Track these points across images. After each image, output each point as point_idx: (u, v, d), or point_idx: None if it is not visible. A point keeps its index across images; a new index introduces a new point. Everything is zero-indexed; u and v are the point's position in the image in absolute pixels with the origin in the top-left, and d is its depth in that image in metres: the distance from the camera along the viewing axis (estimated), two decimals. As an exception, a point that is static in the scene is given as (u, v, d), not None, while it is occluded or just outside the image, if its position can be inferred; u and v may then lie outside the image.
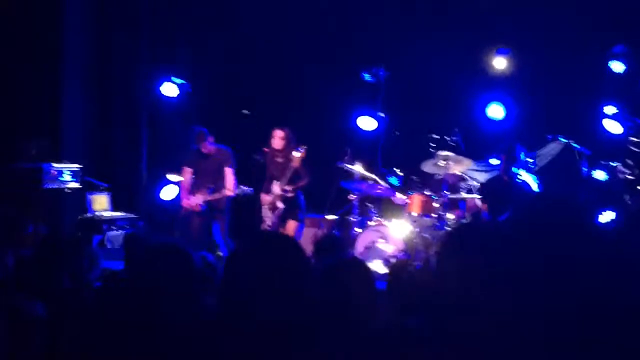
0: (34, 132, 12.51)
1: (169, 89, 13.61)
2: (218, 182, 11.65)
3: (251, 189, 11.46)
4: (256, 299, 2.97)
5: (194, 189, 11.77)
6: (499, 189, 10.63)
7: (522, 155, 10.54)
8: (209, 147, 11.69)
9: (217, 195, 11.55)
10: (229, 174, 11.66)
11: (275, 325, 2.99)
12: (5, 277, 5.31)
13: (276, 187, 11.39)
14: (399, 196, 11.83)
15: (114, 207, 12.99)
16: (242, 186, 11.49)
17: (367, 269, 4.00)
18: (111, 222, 12.52)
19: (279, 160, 11.44)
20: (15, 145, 12.26)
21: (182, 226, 11.89)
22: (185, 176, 11.89)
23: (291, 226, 11.45)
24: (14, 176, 11.77)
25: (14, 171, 11.83)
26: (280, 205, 11.35)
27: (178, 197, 12.32)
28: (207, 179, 11.72)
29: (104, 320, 4.06)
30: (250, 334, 2.99)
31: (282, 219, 11.36)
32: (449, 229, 10.71)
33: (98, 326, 4.05)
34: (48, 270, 5.14)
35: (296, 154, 11.21)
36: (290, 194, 11.34)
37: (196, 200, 11.63)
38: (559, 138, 11.93)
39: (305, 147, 11.26)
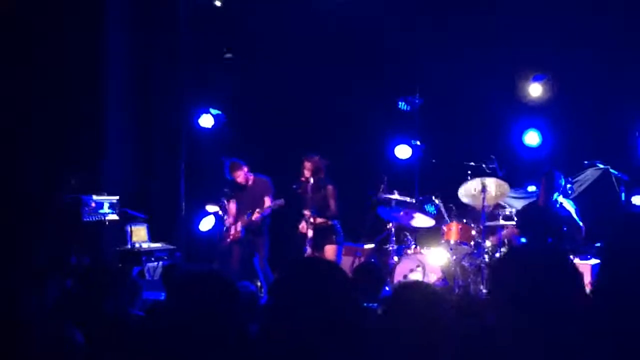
0: (74, 164, 12.63)
1: (206, 121, 13.77)
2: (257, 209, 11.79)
3: (282, 200, 11.63)
4: (299, 326, 2.97)
5: (239, 218, 11.91)
6: (536, 216, 10.60)
7: (560, 182, 10.49)
8: (245, 177, 11.81)
9: (252, 218, 11.66)
10: (267, 202, 11.78)
11: (319, 352, 2.98)
12: (49, 306, 5.37)
13: (305, 216, 11.42)
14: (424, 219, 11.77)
15: (152, 238, 13.05)
16: (274, 201, 11.71)
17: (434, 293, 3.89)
18: (150, 253, 12.57)
19: (308, 188, 11.44)
20: (56, 178, 12.39)
21: (223, 256, 11.99)
22: (230, 208, 12.06)
23: (330, 251, 11.37)
24: (56, 208, 11.90)
25: (56, 203, 11.96)
26: (309, 234, 11.34)
27: (216, 227, 12.41)
28: (247, 208, 11.84)
29: (146, 350, 4.09)
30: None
31: (316, 246, 11.31)
32: (498, 255, 10.68)
33: (141, 356, 4.08)
34: (91, 301, 5.18)
35: (307, 163, 11.30)
36: (318, 222, 11.32)
37: (237, 228, 11.78)
38: (597, 164, 11.87)
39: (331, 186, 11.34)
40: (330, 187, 11.30)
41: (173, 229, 13.90)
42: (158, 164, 14.22)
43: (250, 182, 11.98)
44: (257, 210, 11.69)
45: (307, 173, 11.36)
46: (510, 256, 3.44)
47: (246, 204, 11.93)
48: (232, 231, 11.99)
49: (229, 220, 12.16)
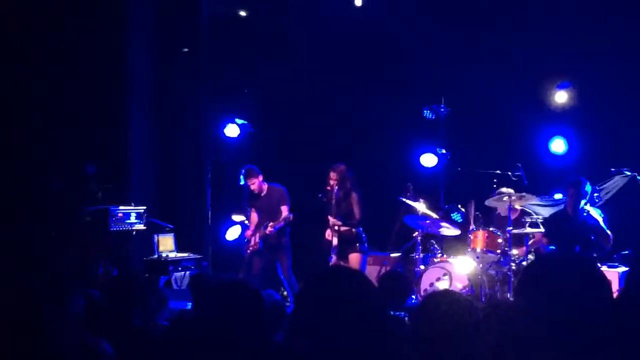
0: (101, 175, 12.71)
1: (232, 130, 13.82)
2: (274, 219, 11.83)
3: (290, 214, 11.74)
4: (326, 335, 2.97)
5: (258, 227, 11.98)
6: (564, 224, 10.56)
7: (587, 189, 10.45)
8: (259, 185, 11.89)
9: (267, 230, 11.71)
10: (284, 211, 11.83)
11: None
12: (76, 317, 5.40)
13: (330, 223, 11.42)
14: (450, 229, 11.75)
15: (179, 248, 13.10)
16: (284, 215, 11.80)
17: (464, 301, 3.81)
18: (177, 262, 12.60)
19: (333, 197, 11.41)
20: (82, 189, 12.47)
21: (246, 266, 12.07)
22: (252, 217, 12.14)
23: (354, 259, 11.34)
24: (83, 219, 11.97)
25: (83, 214, 12.03)
26: (335, 242, 11.34)
27: (242, 237, 12.48)
28: (264, 217, 11.91)
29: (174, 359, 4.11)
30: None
31: (342, 254, 11.31)
32: (525, 263, 10.65)
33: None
34: (119, 311, 5.21)
35: (333, 173, 11.33)
36: (342, 230, 11.31)
37: (256, 239, 11.85)
38: (624, 171, 11.81)
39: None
40: (354, 195, 11.30)
41: (199, 239, 13.93)
42: (184, 173, 14.26)
43: (264, 192, 12.04)
44: (270, 224, 11.76)
45: (332, 182, 11.37)
46: (538, 264, 3.44)
47: (263, 214, 12.04)
48: (252, 242, 12.06)
49: (248, 231, 12.23)
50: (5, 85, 12.15)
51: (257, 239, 11.98)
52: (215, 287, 4.11)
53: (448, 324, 3.58)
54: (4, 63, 12.12)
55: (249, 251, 12.12)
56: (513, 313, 3.98)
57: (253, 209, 12.29)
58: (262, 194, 12.11)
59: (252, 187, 12.02)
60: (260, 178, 12.02)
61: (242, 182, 12.12)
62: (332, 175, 11.37)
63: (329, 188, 11.40)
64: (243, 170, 12.09)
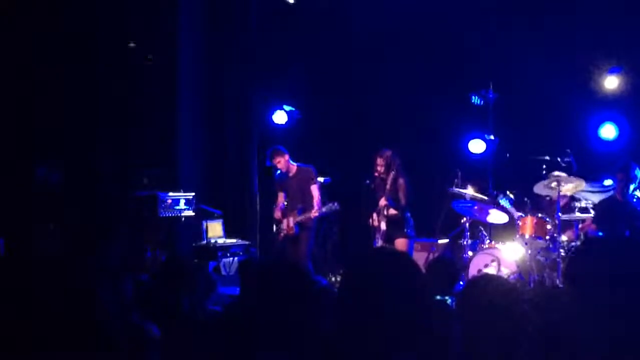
0: (151, 162, 12.83)
1: (280, 117, 13.86)
2: (305, 201, 11.79)
3: (336, 204, 11.57)
4: (373, 318, 2.97)
5: (286, 211, 11.95)
6: (614, 209, 10.47)
7: (637, 173, 10.35)
8: (286, 164, 11.86)
9: (305, 216, 11.70)
10: (314, 191, 11.81)
11: (392, 345, 2.99)
12: (126, 302, 5.46)
13: (379, 207, 11.28)
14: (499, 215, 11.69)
15: (228, 234, 13.17)
16: (328, 203, 11.64)
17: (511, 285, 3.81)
18: (225, 248, 12.69)
19: (380, 183, 11.36)
20: (132, 176, 12.61)
21: (279, 251, 12.04)
22: (279, 200, 12.12)
23: (401, 244, 11.25)
24: (132, 204, 12.10)
25: (132, 200, 12.16)
26: (383, 226, 11.28)
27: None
28: (295, 199, 11.88)
29: (222, 344, 4.14)
30: (368, 355, 3.00)
31: (388, 239, 11.27)
32: (576, 244, 10.59)
33: (217, 349, 4.13)
34: (168, 295, 5.26)
35: (380, 159, 11.23)
36: (390, 214, 11.25)
37: (290, 224, 11.80)
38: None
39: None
40: (401, 180, 11.24)
41: (248, 225, 14.00)
42: (232, 160, 14.32)
43: (293, 172, 12.01)
44: (314, 210, 11.68)
45: (379, 168, 11.30)
46: (588, 247, 3.42)
47: (293, 195, 11.98)
48: (285, 226, 12.03)
49: (277, 212, 12.18)
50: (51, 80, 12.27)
51: (292, 224, 11.96)
52: (264, 271, 4.12)
53: (490, 307, 3.55)
54: (52, 59, 12.25)
55: (282, 235, 12.10)
56: (561, 297, 3.95)
57: (280, 191, 12.27)
58: (291, 174, 12.07)
59: (279, 165, 11.94)
60: (287, 157, 11.94)
61: (268, 163, 12.09)
62: (379, 161, 11.31)
63: (375, 174, 11.37)
64: (268, 152, 12.08)
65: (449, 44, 13.67)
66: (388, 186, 11.17)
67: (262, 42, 14.25)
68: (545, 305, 3.92)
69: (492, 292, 3.59)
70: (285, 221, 11.98)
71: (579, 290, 3.10)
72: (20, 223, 11.36)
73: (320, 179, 12.22)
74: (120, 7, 12.71)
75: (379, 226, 11.23)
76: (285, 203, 12.10)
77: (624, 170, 10.40)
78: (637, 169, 10.38)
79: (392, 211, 11.21)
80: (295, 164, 12.04)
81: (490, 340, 3.52)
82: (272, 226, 12.39)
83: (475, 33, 13.11)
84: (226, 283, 10.92)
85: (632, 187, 10.34)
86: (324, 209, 11.63)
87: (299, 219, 11.81)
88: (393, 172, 11.18)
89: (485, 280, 3.79)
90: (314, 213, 11.68)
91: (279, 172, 12.13)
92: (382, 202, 11.16)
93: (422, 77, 13.57)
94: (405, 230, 11.27)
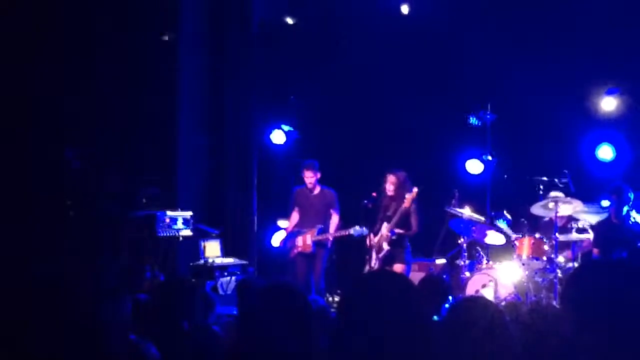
0: (150, 181, 12.85)
1: (278, 137, 13.89)
2: (325, 222, 11.84)
3: (365, 229, 11.43)
4: (371, 340, 2.99)
5: (303, 228, 11.96)
6: (610, 232, 10.50)
7: (630, 195, 10.39)
8: (314, 180, 11.89)
9: (324, 236, 11.73)
10: (334, 216, 11.84)
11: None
12: (124, 322, 5.48)
13: (384, 229, 11.17)
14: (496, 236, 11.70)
15: (225, 253, 13.17)
16: (357, 227, 11.50)
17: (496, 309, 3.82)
18: (223, 268, 12.67)
19: (390, 203, 11.22)
20: (131, 195, 12.62)
21: (293, 268, 12.08)
22: (292, 216, 12.15)
23: (398, 269, 11.04)
24: (131, 224, 12.11)
25: (131, 219, 12.17)
26: (385, 247, 11.18)
27: (286, 240, 12.47)
28: (315, 218, 11.90)
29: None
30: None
31: (387, 261, 11.22)
32: (575, 264, 10.61)
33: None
34: (166, 315, 5.27)
35: (407, 195, 10.96)
36: (395, 237, 11.17)
37: (307, 241, 11.81)
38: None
39: (416, 188, 11.02)
40: (414, 206, 11.01)
41: (246, 245, 14.00)
42: (230, 180, 14.33)
43: (316, 191, 12.04)
44: (340, 231, 11.72)
45: (390, 187, 11.16)
46: (584, 269, 3.43)
47: (311, 215, 12.02)
48: (300, 243, 12.03)
49: (289, 228, 12.24)
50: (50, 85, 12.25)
51: (310, 241, 11.96)
52: (262, 291, 4.14)
53: (475, 329, 3.61)
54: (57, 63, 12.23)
55: (296, 251, 12.13)
56: (557, 319, 3.97)
57: (297, 208, 12.29)
58: (313, 194, 12.12)
59: (308, 180, 12.02)
60: (319, 175, 12.05)
61: (301, 173, 12.13)
62: (391, 178, 11.12)
63: (374, 194, 11.32)
64: (306, 162, 12.10)
65: (447, 65, 13.72)
66: (396, 216, 11.04)
67: (261, 62, 14.28)
68: (541, 326, 3.95)
69: (477, 314, 3.64)
70: (300, 239, 11.99)
71: (575, 313, 3.11)
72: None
73: None
74: (120, 26, 12.73)
75: (379, 246, 11.16)
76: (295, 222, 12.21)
77: (616, 192, 10.46)
78: (630, 191, 10.42)
79: (399, 230, 11.08)
80: (319, 185, 12.09)
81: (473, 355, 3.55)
82: (274, 234, 12.50)
83: (474, 54, 13.15)
84: (224, 302, 10.91)
85: (625, 208, 10.38)
86: (352, 232, 11.51)
87: (317, 237, 11.83)
88: (401, 195, 11.01)
89: (469, 302, 3.84)
90: (330, 237, 11.82)
91: (299, 187, 12.20)
92: (387, 226, 11.07)
93: (420, 98, 13.60)
94: (402, 254, 11.19)
